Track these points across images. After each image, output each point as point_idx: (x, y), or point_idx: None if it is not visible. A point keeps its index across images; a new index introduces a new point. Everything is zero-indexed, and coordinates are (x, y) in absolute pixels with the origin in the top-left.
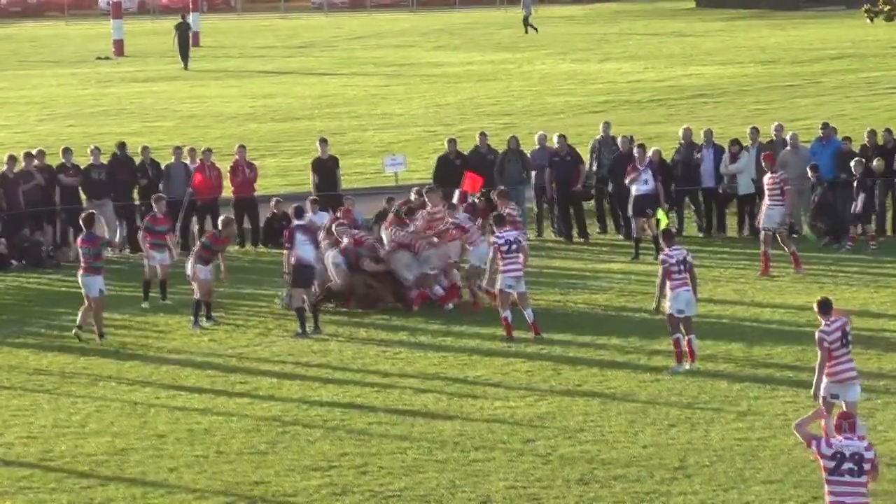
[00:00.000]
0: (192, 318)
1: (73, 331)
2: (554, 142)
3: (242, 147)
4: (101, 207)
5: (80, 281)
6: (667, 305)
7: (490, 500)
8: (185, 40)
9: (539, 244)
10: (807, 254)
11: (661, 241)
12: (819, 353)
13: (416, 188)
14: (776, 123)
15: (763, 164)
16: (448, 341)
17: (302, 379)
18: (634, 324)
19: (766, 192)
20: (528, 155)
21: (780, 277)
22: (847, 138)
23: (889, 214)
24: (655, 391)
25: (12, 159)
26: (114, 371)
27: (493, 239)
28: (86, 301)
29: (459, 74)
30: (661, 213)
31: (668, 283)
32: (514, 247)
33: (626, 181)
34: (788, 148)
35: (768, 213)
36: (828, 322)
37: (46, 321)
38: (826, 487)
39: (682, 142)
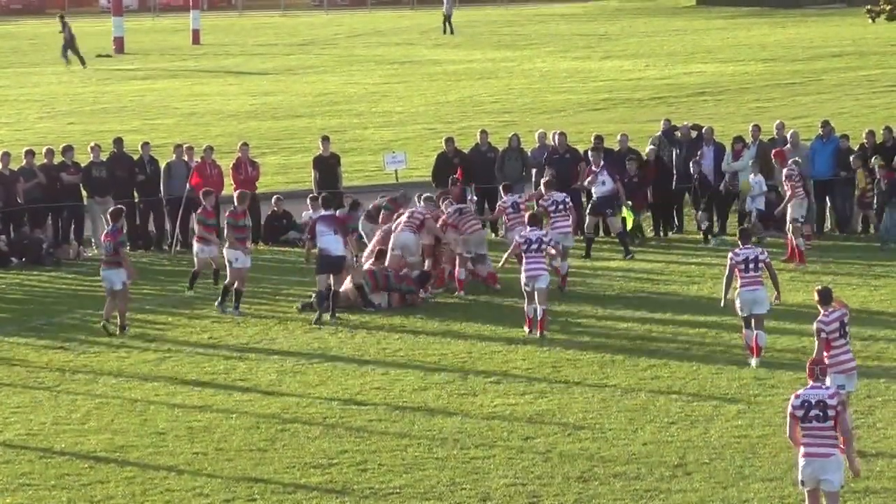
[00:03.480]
0: (219, 298)
1: (101, 323)
2: (552, 139)
3: (245, 145)
4: (103, 205)
5: (101, 275)
6: (737, 304)
7: (490, 497)
8: (69, 40)
9: None
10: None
11: (738, 238)
12: (816, 343)
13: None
14: (778, 121)
15: (774, 161)
16: (447, 339)
17: (301, 376)
18: (634, 321)
19: (788, 187)
20: (529, 153)
21: (779, 274)
22: (845, 136)
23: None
24: (655, 388)
25: (7, 156)
26: (114, 368)
27: (517, 238)
28: (108, 295)
29: (460, 72)
30: (626, 212)
31: (739, 281)
32: (534, 246)
33: (585, 183)
34: (788, 146)
35: (795, 204)
36: (827, 312)
37: (46, 318)
38: (800, 434)
39: (682, 139)
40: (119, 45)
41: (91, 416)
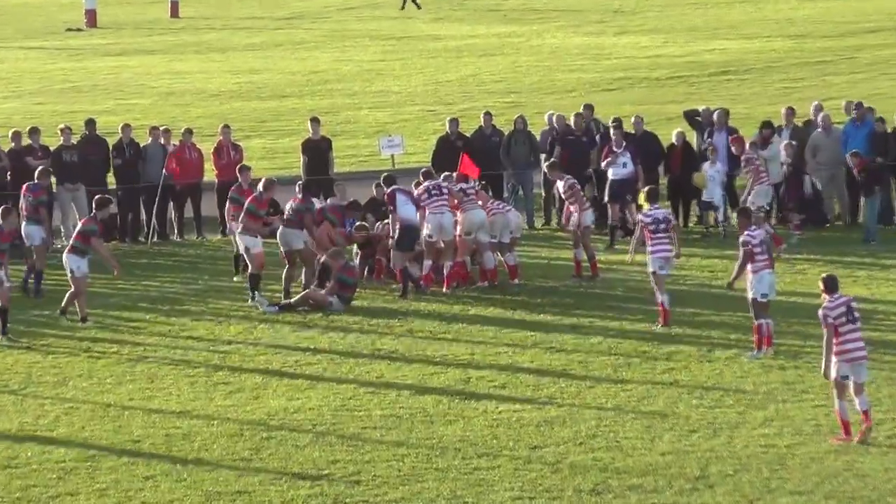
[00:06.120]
0: (249, 292)
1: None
2: (570, 119)
3: (227, 127)
4: (74, 193)
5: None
6: (748, 288)
7: None
8: None
9: (549, 233)
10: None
11: (738, 221)
12: (825, 331)
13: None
14: (815, 102)
15: (732, 148)
16: (449, 338)
17: (289, 379)
18: (651, 320)
19: (751, 172)
20: (538, 136)
21: (809, 270)
22: (880, 119)
23: None
24: (674, 393)
25: None
26: (84, 370)
27: (639, 217)
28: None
29: (462, 48)
30: (643, 198)
31: (749, 266)
32: (662, 226)
33: (602, 164)
34: (819, 130)
35: (758, 190)
36: (832, 298)
37: (12, 316)
38: None
39: (704, 123)
40: (91, 18)
41: (60, 423)
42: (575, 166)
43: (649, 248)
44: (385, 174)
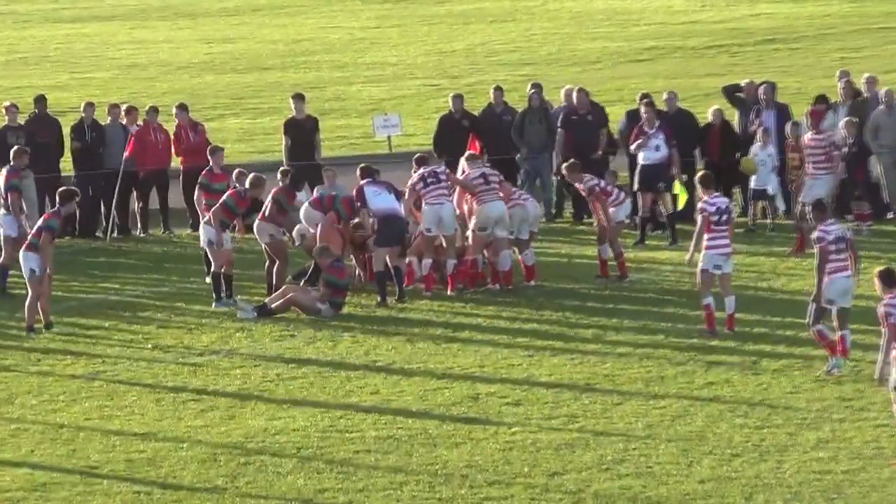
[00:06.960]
0: (213, 295)
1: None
2: (572, 96)
3: (183, 107)
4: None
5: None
6: (825, 294)
7: None
8: None
9: (569, 227)
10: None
11: (810, 216)
12: (884, 331)
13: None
14: (867, 75)
15: (806, 121)
16: (454, 348)
17: (270, 395)
18: (688, 326)
19: (808, 158)
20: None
21: (869, 268)
22: None
23: None
24: (715, 411)
25: None
26: (34, 386)
27: (701, 205)
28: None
29: (469, 13)
30: (679, 187)
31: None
32: (724, 217)
33: (632, 148)
34: (882, 107)
35: (813, 183)
36: (893, 295)
37: None
38: None
39: (748, 100)
40: None
41: (6, 446)
42: (581, 150)
43: (706, 243)
44: (362, 165)
